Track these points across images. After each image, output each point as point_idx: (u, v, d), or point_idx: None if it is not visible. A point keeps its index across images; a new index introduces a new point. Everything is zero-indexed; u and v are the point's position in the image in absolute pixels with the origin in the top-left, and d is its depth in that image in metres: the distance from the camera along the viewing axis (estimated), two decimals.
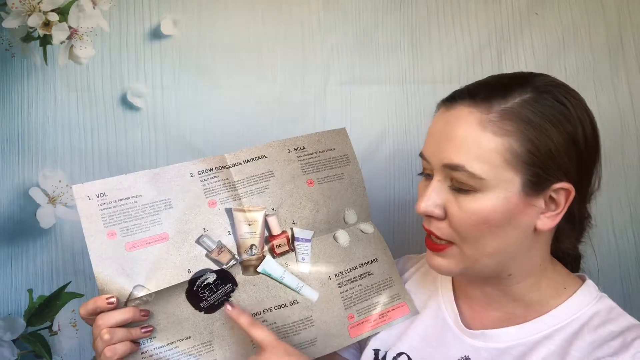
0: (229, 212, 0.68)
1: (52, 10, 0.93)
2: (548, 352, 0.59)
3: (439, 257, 0.62)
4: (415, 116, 0.97)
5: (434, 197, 0.60)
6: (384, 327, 0.71)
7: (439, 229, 0.61)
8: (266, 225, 0.69)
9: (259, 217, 0.68)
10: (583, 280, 0.65)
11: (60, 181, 0.95)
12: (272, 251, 0.69)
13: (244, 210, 0.68)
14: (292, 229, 0.70)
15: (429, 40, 0.98)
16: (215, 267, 0.66)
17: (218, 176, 0.68)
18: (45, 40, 0.94)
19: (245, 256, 0.67)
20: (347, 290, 0.71)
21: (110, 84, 0.95)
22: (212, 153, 0.70)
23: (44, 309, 0.95)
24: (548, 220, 0.59)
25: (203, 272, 0.65)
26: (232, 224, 0.67)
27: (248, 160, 0.70)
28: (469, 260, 0.61)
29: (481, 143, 0.56)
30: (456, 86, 0.94)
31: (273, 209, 0.69)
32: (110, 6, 0.94)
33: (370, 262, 0.73)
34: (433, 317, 0.69)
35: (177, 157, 0.95)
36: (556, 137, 0.56)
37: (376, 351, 0.70)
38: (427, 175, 0.63)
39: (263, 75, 0.97)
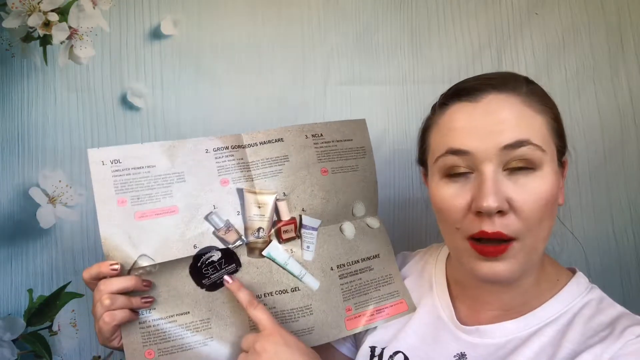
0: (240, 192, 0.68)
1: (52, 10, 0.93)
2: (541, 344, 0.59)
3: (498, 263, 0.58)
4: (415, 116, 0.97)
5: (495, 189, 0.55)
6: (381, 322, 0.72)
7: (507, 225, 0.56)
8: (276, 209, 0.69)
9: (269, 200, 0.68)
10: (573, 272, 0.65)
11: (60, 181, 0.95)
12: (278, 236, 0.69)
13: (255, 192, 0.68)
14: (300, 216, 0.70)
15: (429, 41, 0.98)
16: (221, 246, 0.66)
17: (233, 155, 0.68)
18: (45, 40, 0.94)
19: (251, 238, 0.67)
20: (348, 282, 0.71)
21: (110, 84, 0.95)
22: None
23: (44, 309, 0.95)
24: (561, 195, 0.61)
25: (208, 250, 0.65)
26: (242, 205, 0.67)
27: (265, 142, 0.70)
28: (529, 253, 0.58)
29: (531, 120, 0.58)
30: None
31: (284, 193, 0.69)
32: (110, 6, 0.95)
33: (372, 258, 0.74)
34: (428, 314, 0.70)
35: None
36: (558, 113, 0.61)
37: (372, 348, 0.70)
38: (456, 176, 0.59)
39: (263, 75, 0.97)
